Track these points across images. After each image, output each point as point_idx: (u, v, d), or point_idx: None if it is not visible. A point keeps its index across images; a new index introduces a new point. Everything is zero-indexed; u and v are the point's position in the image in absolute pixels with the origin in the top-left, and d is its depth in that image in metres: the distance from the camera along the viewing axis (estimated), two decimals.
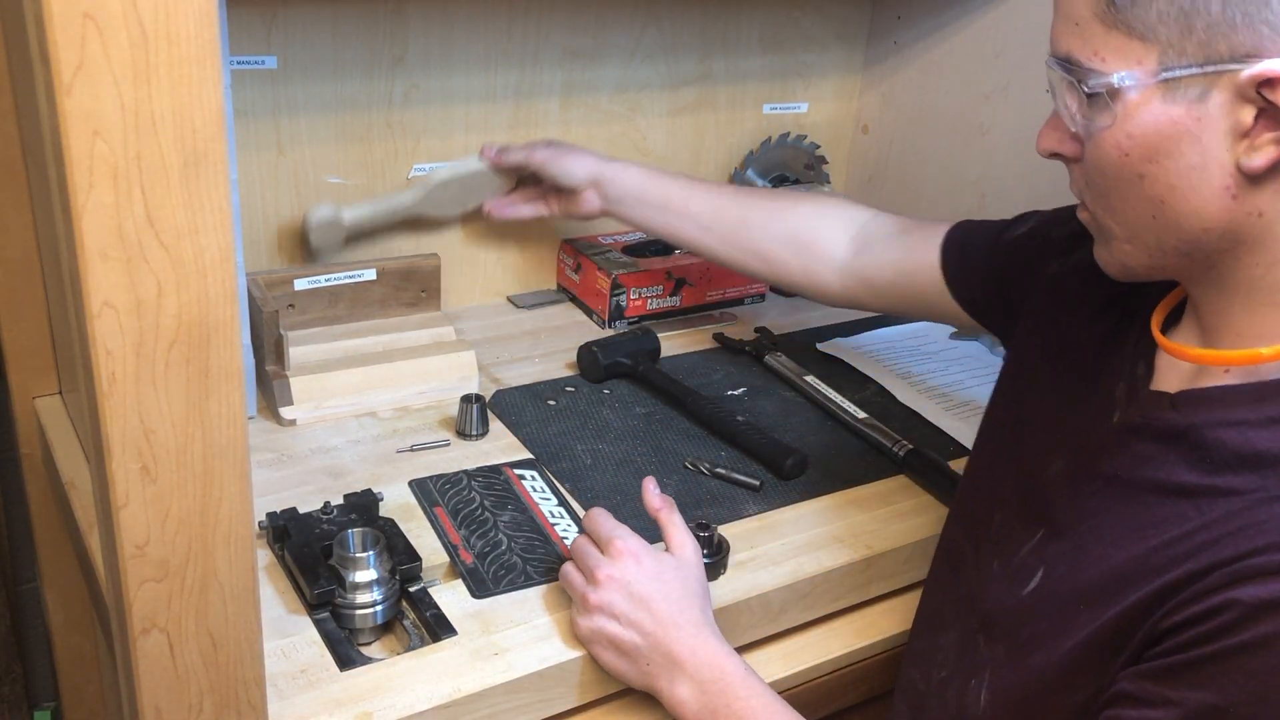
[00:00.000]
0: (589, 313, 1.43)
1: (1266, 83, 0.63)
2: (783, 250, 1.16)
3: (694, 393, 1.21)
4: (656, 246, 1.49)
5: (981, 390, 1.31)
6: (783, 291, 1.47)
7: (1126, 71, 0.67)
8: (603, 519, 0.91)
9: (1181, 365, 0.75)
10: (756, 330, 1.41)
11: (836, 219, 1.16)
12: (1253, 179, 0.66)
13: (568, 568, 0.90)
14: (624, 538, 0.88)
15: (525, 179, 1.32)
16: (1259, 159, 0.65)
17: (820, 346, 1.39)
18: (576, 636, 0.88)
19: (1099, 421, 0.79)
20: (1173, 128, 0.66)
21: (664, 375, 1.25)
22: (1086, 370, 0.83)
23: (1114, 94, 0.68)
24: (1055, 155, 0.75)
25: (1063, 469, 0.80)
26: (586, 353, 1.26)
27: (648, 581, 0.86)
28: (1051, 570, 0.77)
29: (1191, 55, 0.64)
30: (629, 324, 1.40)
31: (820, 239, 1.15)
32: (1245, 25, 0.62)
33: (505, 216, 1.32)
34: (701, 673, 0.83)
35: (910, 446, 1.14)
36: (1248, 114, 0.64)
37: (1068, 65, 0.70)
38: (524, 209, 1.32)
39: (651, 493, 0.93)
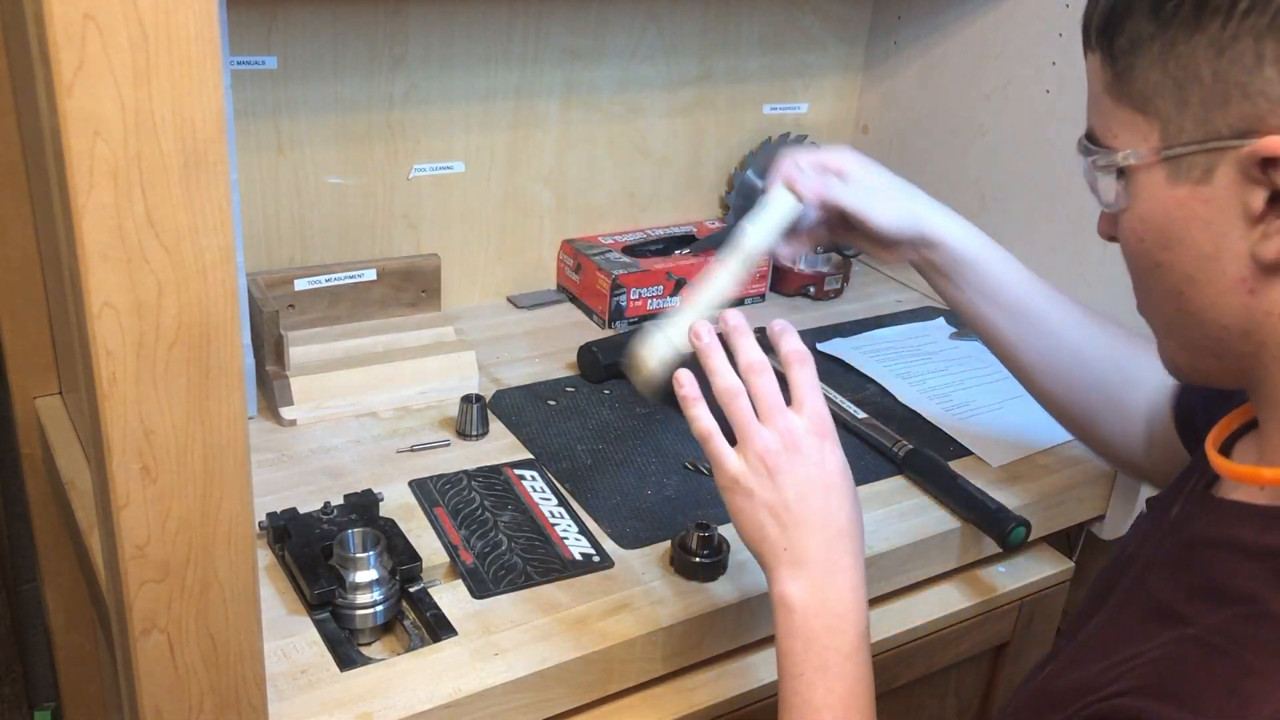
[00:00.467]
0: (589, 313, 1.43)
1: (1270, 161, 0.56)
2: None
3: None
4: (656, 246, 1.49)
5: (981, 390, 1.31)
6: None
7: (1131, 149, 0.63)
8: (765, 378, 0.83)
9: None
10: (756, 330, 1.41)
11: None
12: (1270, 270, 0.59)
13: (703, 424, 0.82)
14: (783, 414, 0.81)
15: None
16: (1272, 248, 0.58)
17: (820, 346, 1.39)
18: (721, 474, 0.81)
19: (1163, 516, 0.73)
20: (1180, 211, 0.61)
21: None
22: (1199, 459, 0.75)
23: (1123, 173, 0.64)
24: (1112, 239, 0.71)
25: (1131, 552, 0.75)
26: (586, 353, 1.26)
27: (796, 480, 0.80)
28: (1056, 664, 0.71)
29: (1190, 131, 0.59)
30: (629, 324, 1.40)
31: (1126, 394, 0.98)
32: (1240, 96, 0.57)
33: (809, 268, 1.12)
34: (829, 599, 0.77)
35: (910, 446, 1.14)
36: (1257, 197, 0.57)
37: (1087, 142, 0.67)
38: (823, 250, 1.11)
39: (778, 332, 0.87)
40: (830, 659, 0.75)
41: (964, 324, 1.04)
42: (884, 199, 1.00)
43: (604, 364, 1.24)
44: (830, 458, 0.81)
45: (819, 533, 0.79)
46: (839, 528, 0.80)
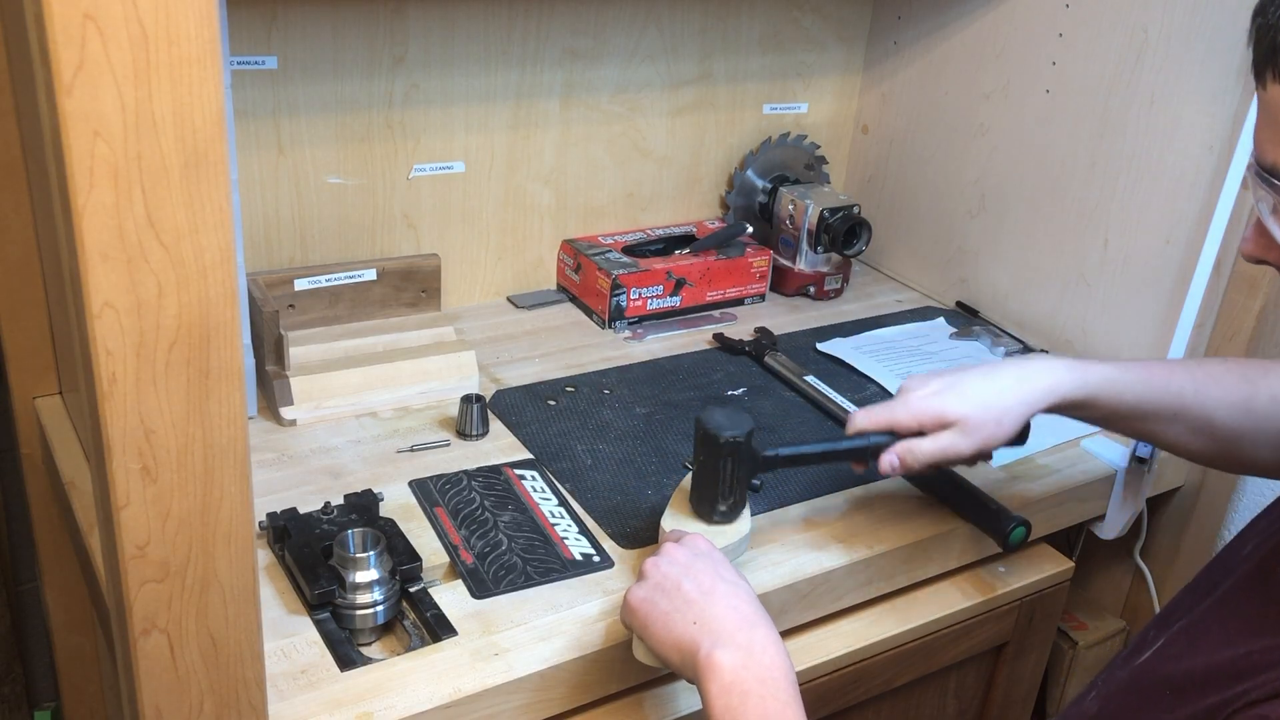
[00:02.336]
0: (589, 313, 1.43)
1: None
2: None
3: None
4: (656, 246, 1.49)
5: None
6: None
7: None
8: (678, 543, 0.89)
9: None
10: (756, 330, 1.41)
11: None
12: None
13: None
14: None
15: None
16: None
17: (820, 346, 1.39)
18: (626, 608, 0.85)
19: None
20: None
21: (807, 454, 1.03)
22: None
23: None
24: (1261, 261, 0.70)
25: (1249, 551, 0.74)
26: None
27: (699, 557, 0.85)
28: (1165, 648, 0.71)
29: None
30: (628, 324, 1.39)
31: None
32: None
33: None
34: (754, 655, 0.78)
35: None
36: None
37: (1271, 177, 0.65)
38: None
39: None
40: (770, 707, 0.75)
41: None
42: (992, 429, 0.95)
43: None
44: (707, 560, 0.85)
45: (730, 610, 0.80)
46: (743, 600, 0.82)
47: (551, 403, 1.21)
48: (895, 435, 0.97)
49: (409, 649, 0.87)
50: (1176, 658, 0.68)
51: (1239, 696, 0.60)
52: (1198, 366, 0.98)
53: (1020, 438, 1.00)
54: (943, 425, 0.95)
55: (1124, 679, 0.72)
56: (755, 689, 0.75)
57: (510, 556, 0.96)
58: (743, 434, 0.93)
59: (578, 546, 0.98)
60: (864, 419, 0.98)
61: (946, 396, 0.96)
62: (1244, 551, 0.74)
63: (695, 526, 0.94)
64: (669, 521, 0.95)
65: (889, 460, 0.96)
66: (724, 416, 0.94)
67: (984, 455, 0.98)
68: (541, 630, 0.89)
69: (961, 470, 1.08)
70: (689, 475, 0.99)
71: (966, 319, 1.50)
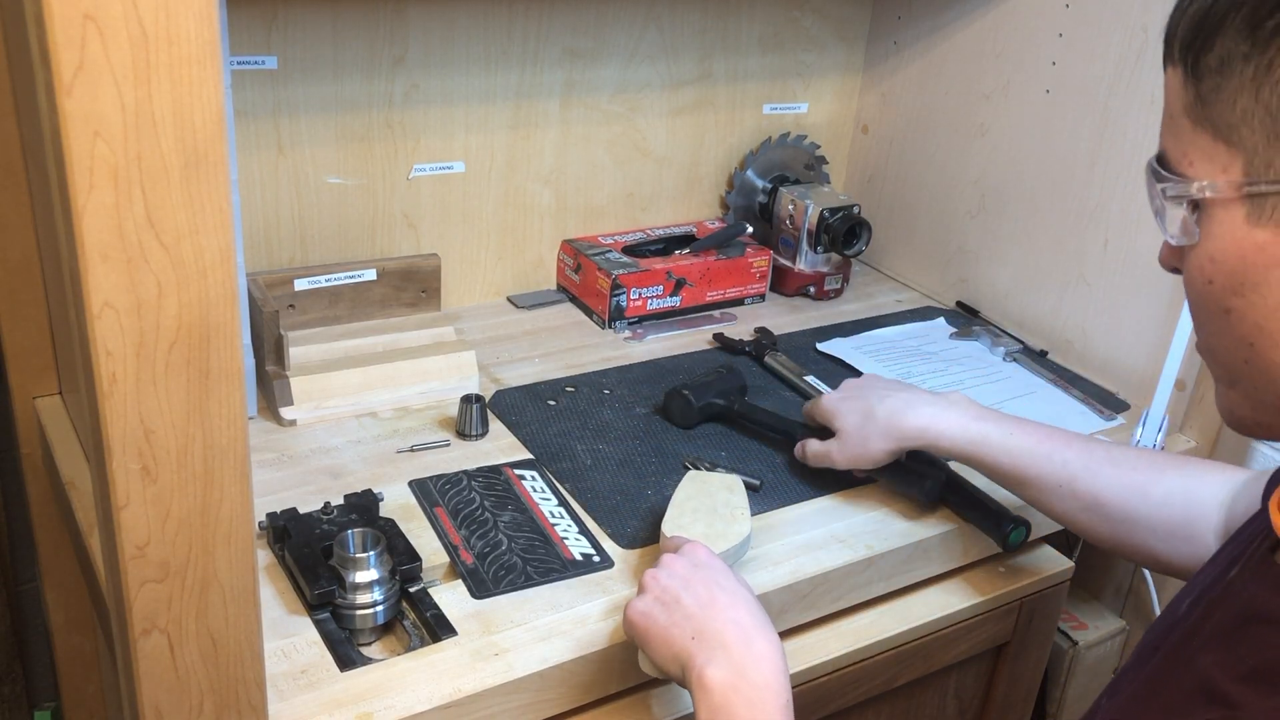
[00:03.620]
0: (589, 313, 1.43)
1: None
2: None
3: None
4: (656, 246, 1.49)
5: (981, 390, 1.31)
6: None
7: (1208, 181, 0.56)
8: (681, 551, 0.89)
9: None
10: (756, 330, 1.41)
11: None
12: None
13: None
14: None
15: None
16: None
17: (820, 346, 1.39)
18: (626, 622, 0.86)
19: (1225, 573, 0.67)
20: (1259, 255, 0.54)
21: (767, 413, 1.18)
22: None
23: (1195, 206, 0.57)
24: (1175, 270, 0.64)
25: (1185, 612, 0.69)
26: (677, 397, 1.19)
27: (699, 568, 0.85)
28: None
29: None
30: (628, 323, 1.39)
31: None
32: None
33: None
34: (747, 675, 0.77)
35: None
36: None
37: (1157, 166, 0.60)
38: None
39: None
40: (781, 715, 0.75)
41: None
42: (862, 450, 1.03)
43: (698, 406, 1.18)
44: (707, 570, 0.85)
45: (728, 624, 0.80)
46: (743, 610, 0.81)
47: (551, 403, 1.21)
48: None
49: (409, 649, 0.87)
50: None
51: None
52: (1101, 447, 0.96)
53: (928, 490, 1.05)
54: (831, 431, 1.06)
55: None
56: (742, 713, 0.76)
57: (510, 556, 0.96)
58: (686, 388, 1.18)
59: (578, 546, 0.98)
60: (810, 404, 1.11)
61: (844, 404, 1.06)
62: (1179, 612, 0.70)
63: (695, 531, 0.94)
64: (669, 527, 0.95)
65: (797, 447, 1.11)
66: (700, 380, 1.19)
67: (861, 473, 1.07)
68: (541, 630, 0.89)
69: (961, 470, 1.08)
70: (688, 476, 1.02)
71: (966, 319, 1.50)
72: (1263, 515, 0.68)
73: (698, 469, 1.11)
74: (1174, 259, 0.63)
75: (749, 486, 1.07)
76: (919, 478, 1.06)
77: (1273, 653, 0.57)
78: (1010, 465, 0.98)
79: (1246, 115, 0.53)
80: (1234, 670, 0.58)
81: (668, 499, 0.99)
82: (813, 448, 1.08)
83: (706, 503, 0.98)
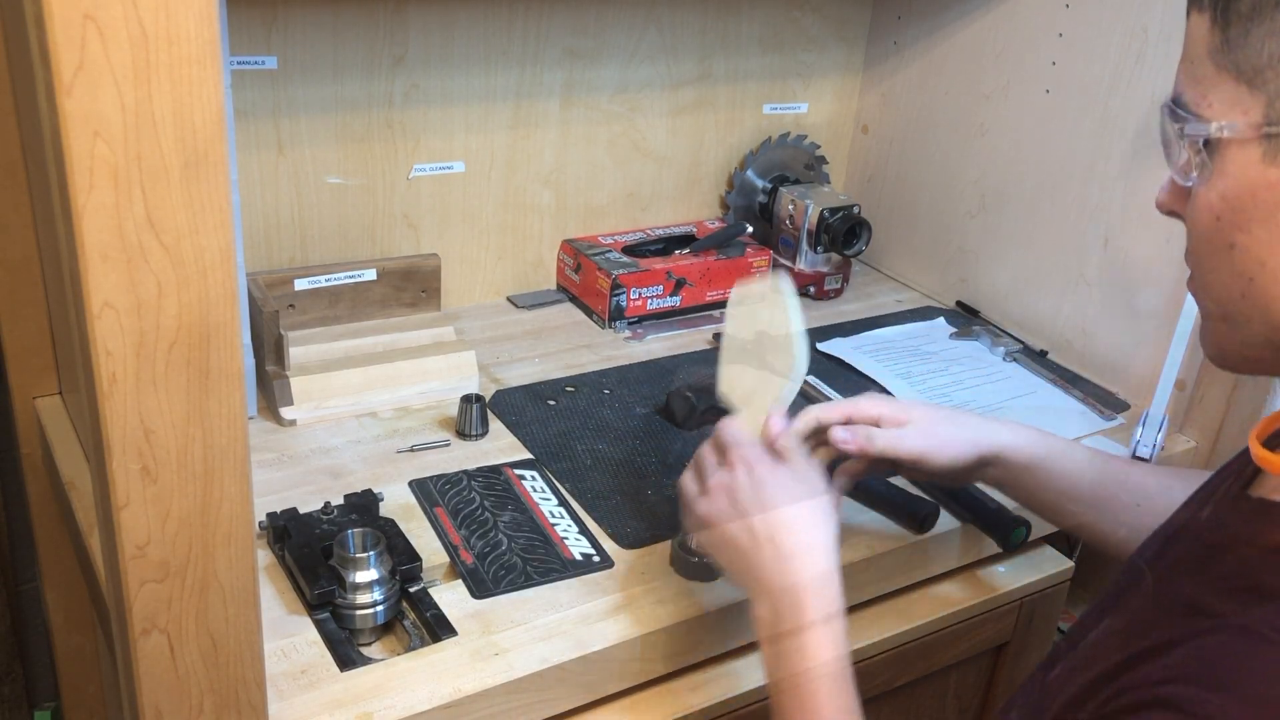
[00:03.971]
0: (589, 313, 1.43)
1: None
2: None
3: None
4: (656, 246, 1.49)
5: (981, 390, 1.31)
6: None
7: (1228, 122, 0.59)
8: (728, 427, 0.88)
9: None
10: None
11: None
12: None
13: (685, 476, 0.88)
14: (740, 445, 0.86)
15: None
16: None
17: (820, 346, 1.39)
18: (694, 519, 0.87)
19: (1194, 517, 0.71)
20: (1269, 193, 0.58)
21: None
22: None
23: (1212, 146, 0.60)
24: (1172, 213, 0.67)
25: (1152, 555, 0.73)
26: (679, 398, 1.19)
27: (756, 489, 0.83)
28: (1068, 663, 0.70)
29: None
30: (628, 323, 1.39)
31: None
32: None
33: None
34: (781, 611, 0.78)
35: None
36: None
37: (1175, 108, 0.62)
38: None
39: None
40: (801, 683, 0.78)
41: (1048, 517, 0.99)
42: (940, 440, 0.94)
43: (700, 409, 1.17)
44: (747, 475, 0.84)
45: (783, 558, 0.80)
46: (787, 543, 0.81)
47: (551, 403, 1.21)
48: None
49: (409, 649, 0.87)
50: (1080, 668, 0.67)
51: (1110, 700, 0.61)
52: (1144, 471, 0.96)
53: (919, 523, 1.03)
54: (898, 423, 0.95)
55: (1035, 695, 0.72)
56: (790, 656, 0.78)
57: (510, 556, 0.96)
58: (688, 388, 1.18)
59: (578, 546, 0.98)
60: (818, 410, 0.97)
61: (900, 402, 0.98)
62: (1149, 554, 0.73)
63: (747, 385, 0.93)
64: (725, 388, 0.95)
65: (842, 433, 0.95)
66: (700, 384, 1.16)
67: (920, 466, 0.95)
68: (541, 630, 0.89)
69: None
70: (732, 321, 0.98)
71: (966, 319, 1.50)
72: (1234, 461, 0.72)
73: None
74: (1174, 202, 0.66)
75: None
76: (919, 503, 1.04)
77: (1256, 570, 0.60)
78: (1066, 480, 0.94)
79: (1273, 59, 0.57)
80: (1216, 590, 0.61)
81: (668, 499, 0.99)
82: (878, 433, 0.95)
83: (753, 348, 0.95)
